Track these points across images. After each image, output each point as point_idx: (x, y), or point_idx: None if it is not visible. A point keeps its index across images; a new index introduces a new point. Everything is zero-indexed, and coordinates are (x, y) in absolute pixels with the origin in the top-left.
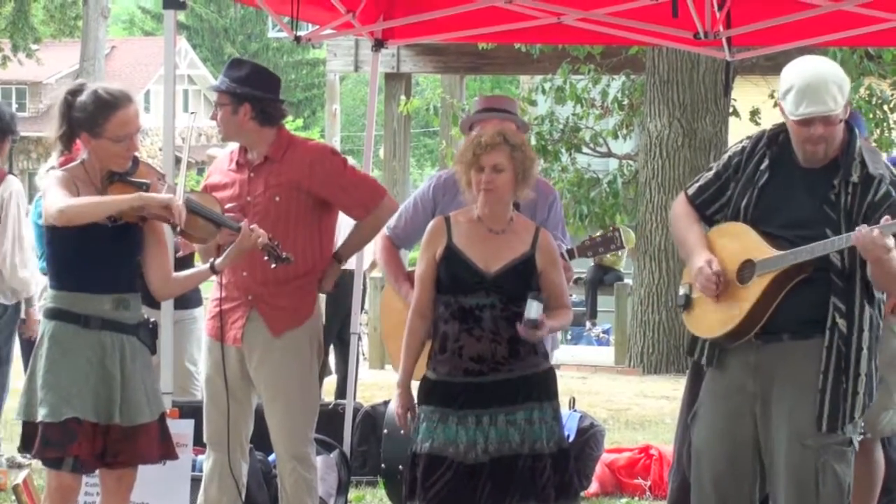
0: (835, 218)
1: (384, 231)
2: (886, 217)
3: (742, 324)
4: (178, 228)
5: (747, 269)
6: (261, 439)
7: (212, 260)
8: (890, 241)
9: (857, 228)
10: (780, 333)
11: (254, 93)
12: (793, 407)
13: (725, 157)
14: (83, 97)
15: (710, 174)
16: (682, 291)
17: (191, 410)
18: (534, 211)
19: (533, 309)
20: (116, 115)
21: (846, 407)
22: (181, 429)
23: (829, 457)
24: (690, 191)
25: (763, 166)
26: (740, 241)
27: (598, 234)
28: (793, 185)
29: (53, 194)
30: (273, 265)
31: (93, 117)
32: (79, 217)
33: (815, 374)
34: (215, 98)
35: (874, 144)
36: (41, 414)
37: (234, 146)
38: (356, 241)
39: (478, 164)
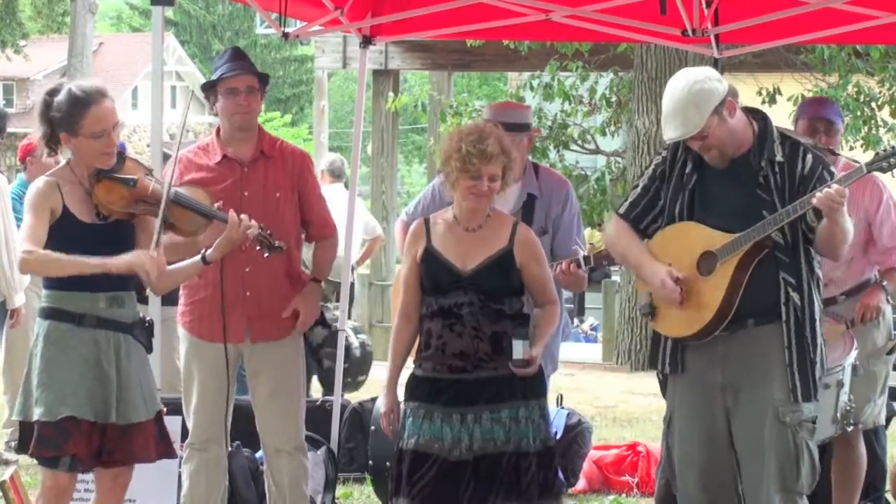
0: (769, 199)
1: (402, 217)
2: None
3: (717, 314)
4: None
5: (707, 260)
6: (248, 437)
7: (203, 251)
8: (846, 191)
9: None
10: (745, 319)
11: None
12: (768, 391)
13: (649, 170)
14: (59, 97)
15: (638, 190)
16: (644, 300)
17: (178, 407)
18: (549, 205)
19: (519, 349)
20: (90, 112)
21: (813, 375)
22: (170, 425)
23: (805, 434)
24: (621, 210)
25: (688, 169)
26: (690, 237)
27: None
28: (722, 180)
29: (25, 223)
30: (266, 254)
31: (69, 116)
32: (35, 271)
33: (780, 352)
34: (246, 83)
35: (860, 142)
36: (37, 413)
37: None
38: (326, 263)
39: (476, 173)
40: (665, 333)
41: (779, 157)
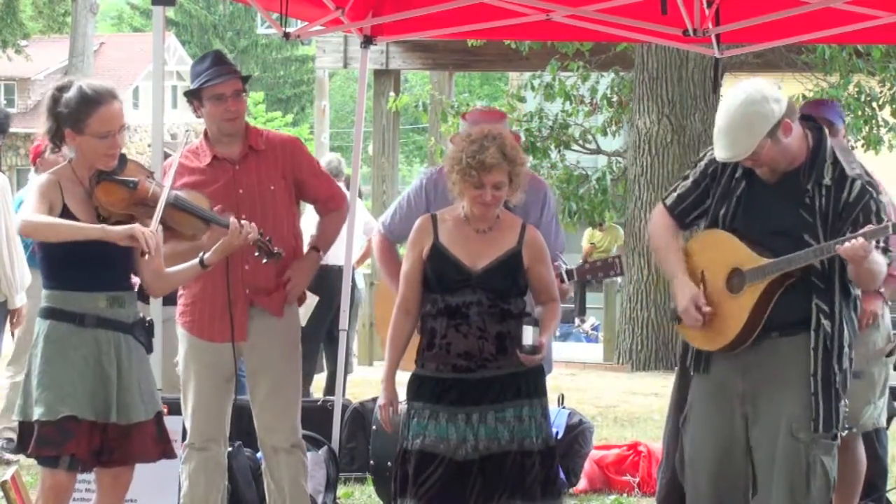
0: (811, 221)
1: (379, 228)
2: (870, 225)
3: (740, 334)
4: (146, 255)
5: (736, 279)
6: (248, 437)
7: (201, 255)
8: (871, 245)
9: (841, 240)
10: (770, 332)
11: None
12: (784, 403)
13: (702, 164)
14: (69, 93)
15: (688, 182)
16: (673, 306)
17: (180, 407)
18: (527, 210)
19: (529, 335)
20: (99, 112)
21: (837, 406)
22: (170, 425)
23: (819, 451)
24: (668, 201)
25: (738, 175)
26: (725, 250)
27: (599, 259)
28: (768, 193)
29: (28, 203)
30: (264, 260)
31: (76, 113)
32: (36, 234)
33: (803, 371)
34: (233, 87)
35: (861, 141)
36: (37, 413)
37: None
38: (331, 234)
39: (479, 183)
40: (689, 342)
41: (826, 181)
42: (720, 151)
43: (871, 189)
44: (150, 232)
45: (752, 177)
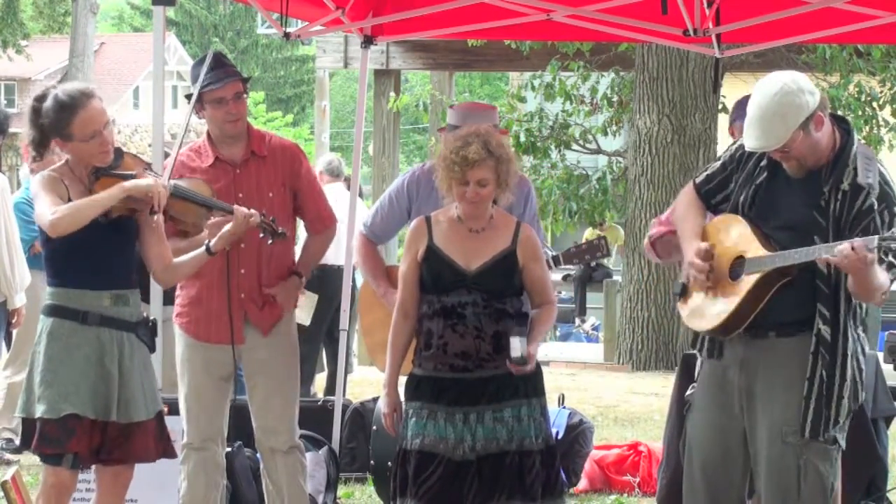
0: (824, 224)
1: (361, 229)
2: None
3: (730, 319)
4: (155, 214)
5: (738, 266)
6: (248, 437)
7: (207, 242)
8: (871, 256)
9: (836, 246)
10: (768, 331)
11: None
12: (776, 405)
13: (733, 148)
14: (46, 103)
15: (718, 164)
16: (681, 279)
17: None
18: (510, 208)
19: (517, 347)
20: (78, 116)
21: (830, 413)
22: (171, 425)
23: (811, 455)
24: (698, 179)
25: (763, 164)
26: (736, 236)
27: (583, 241)
28: (788, 187)
29: (42, 202)
30: (270, 241)
31: (57, 122)
32: (71, 225)
33: (799, 375)
34: (233, 90)
35: (861, 142)
36: (40, 410)
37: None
38: (314, 256)
39: (462, 179)
40: (684, 320)
41: (844, 185)
42: (751, 141)
43: (884, 201)
44: (163, 188)
45: (775, 168)
